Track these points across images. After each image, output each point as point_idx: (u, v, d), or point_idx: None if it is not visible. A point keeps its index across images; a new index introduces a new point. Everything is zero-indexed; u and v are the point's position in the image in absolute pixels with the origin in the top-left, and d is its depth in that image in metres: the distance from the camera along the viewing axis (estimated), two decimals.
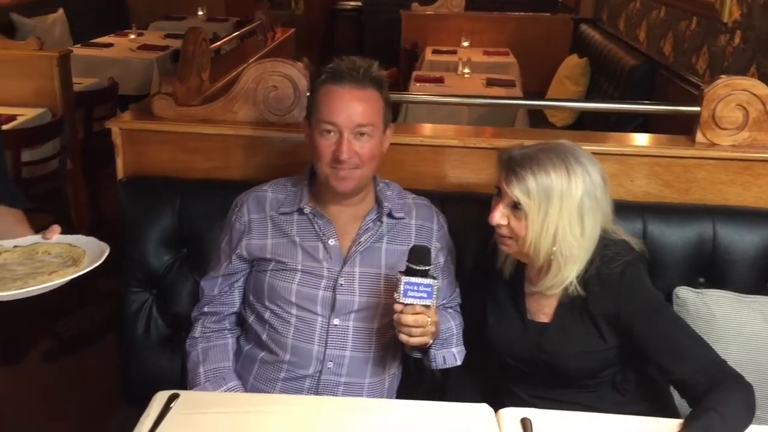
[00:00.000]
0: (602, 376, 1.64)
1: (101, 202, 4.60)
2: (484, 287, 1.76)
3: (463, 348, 1.77)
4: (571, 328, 1.63)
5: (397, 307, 1.52)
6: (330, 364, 1.70)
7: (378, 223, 1.73)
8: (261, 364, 1.74)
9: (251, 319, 1.77)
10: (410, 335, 1.53)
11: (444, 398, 1.57)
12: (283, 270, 1.71)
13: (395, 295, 1.51)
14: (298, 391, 1.69)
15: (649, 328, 1.56)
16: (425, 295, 1.50)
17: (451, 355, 1.74)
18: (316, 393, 1.69)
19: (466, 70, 5.42)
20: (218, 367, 1.74)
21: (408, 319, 1.51)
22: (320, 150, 1.63)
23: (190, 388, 1.72)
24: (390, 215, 1.74)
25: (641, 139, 2.20)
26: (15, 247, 1.43)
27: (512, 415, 1.48)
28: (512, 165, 1.55)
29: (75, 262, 1.35)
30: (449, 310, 1.81)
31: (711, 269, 1.91)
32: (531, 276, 1.68)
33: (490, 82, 5.15)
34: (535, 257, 1.58)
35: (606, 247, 1.60)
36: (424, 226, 1.77)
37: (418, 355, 1.75)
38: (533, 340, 1.66)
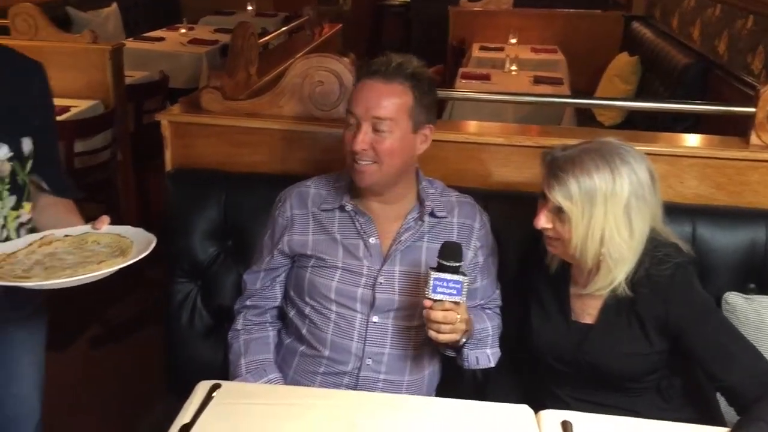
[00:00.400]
0: (647, 380, 1.61)
1: (149, 193, 4.68)
2: (528, 286, 1.74)
3: (499, 350, 1.75)
4: (616, 330, 1.60)
5: (426, 302, 1.51)
6: (369, 361, 1.70)
7: (419, 222, 1.72)
8: (301, 357, 1.75)
9: (292, 313, 1.78)
10: (439, 332, 1.52)
11: (484, 398, 1.56)
12: (324, 267, 1.72)
13: (425, 290, 1.50)
14: (337, 386, 1.70)
15: (698, 332, 1.53)
16: (455, 292, 1.49)
17: (484, 356, 1.72)
18: (355, 389, 1.70)
19: (513, 68, 5.36)
20: (259, 359, 1.75)
21: (437, 315, 1.51)
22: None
23: (232, 379, 1.74)
24: (432, 214, 1.73)
25: (693, 140, 2.15)
26: (66, 236, 1.46)
27: (553, 417, 1.46)
28: (554, 169, 1.53)
29: (123, 253, 1.38)
30: (487, 311, 1.79)
31: (762, 275, 1.86)
32: (576, 277, 1.65)
33: (538, 80, 5.08)
34: (583, 260, 1.56)
35: (656, 248, 1.57)
36: (466, 224, 1.76)
37: (451, 353, 1.74)
38: (577, 341, 1.63)
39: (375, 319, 1.70)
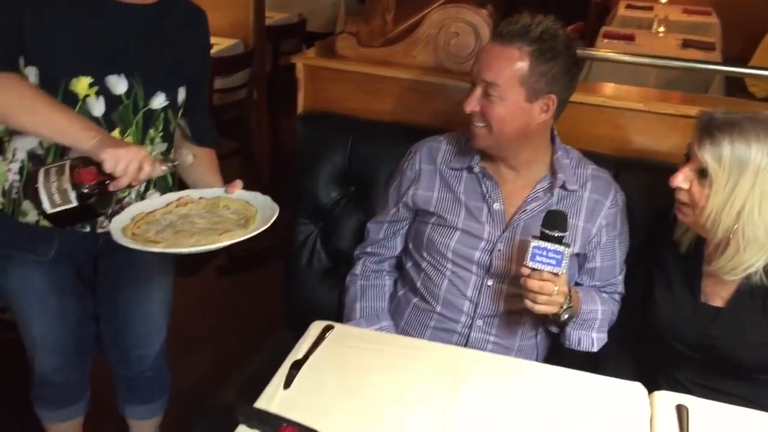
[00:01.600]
0: None
1: (280, 134, 4.83)
2: (655, 261, 1.66)
3: (606, 336, 1.70)
4: (748, 317, 1.51)
5: (524, 270, 1.47)
6: (480, 322, 1.70)
7: (548, 193, 1.67)
8: (414, 309, 1.77)
9: (408, 265, 1.80)
10: (534, 301, 1.49)
11: (595, 371, 1.52)
12: (444, 226, 1.71)
13: (525, 258, 1.47)
14: (446, 342, 1.70)
15: None
16: (554, 262, 1.44)
17: (588, 338, 1.67)
18: (465, 345, 1.70)
19: (661, 29, 5.07)
20: (374, 305, 1.79)
21: (533, 284, 1.47)
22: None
23: (345, 321, 1.79)
24: (563, 187, 1.67)
25: None
26: (200, 198, 1.54)
27: (668, 399, 1.40)
28: (710, 127, 1.43)
29: (246, 221, 1.44)
30: (603, 294, 1.73)
31: None
32: (710, 252, 1.56)
33: (686, 44, 4.78)
34: (713, 232, 1.47)
35: None
36: (597, 200, 1.69)
37: (554, 329, 1.70)
38: (704, 324, 1.55)
39: (489, 282, 1.68)
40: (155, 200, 1.53)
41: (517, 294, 1.66)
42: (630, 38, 4.88)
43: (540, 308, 1.50)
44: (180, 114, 1.67)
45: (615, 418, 1.35)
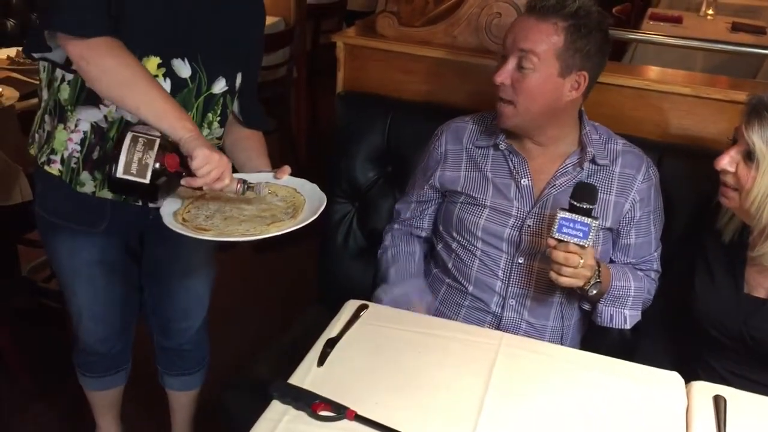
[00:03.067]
0: None
1: (319, 112, 4.83)
2: (697, 250, 1.63)
3: (639, 314, 1.67)
4: None
5: (550, 242, 1.46)
6: (512, 302, 1.69)
7: (578, 168, 1.65)
8: (448, 288, 1.77)
9: (439, 246, 1.80)
10: (559, 273, 1.47)
11: (631, 358, 1.50)
12: (473, 204, 1.70)
13: (551, 229, 1.45)
14: (481, 322, 1.71)
15: None
16: (581, 234, 1.42)
17: (621, 315, 1.65)
18: (498, 328, 1.70)
19: (710, 11, 4.92)
20: (407, 268, 1.80)
21: (558, 255, 1.45)
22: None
23: (379, 285, 1.79)
24: (593, 161, 1.65)
25: None
26: None
27: (705, 389, 1.38)
28: (759, 108, 1.41)
29: (295, 210, 1.44)
30: (638, 272, 1.70)
31: None
32: (754, 238, 1.52)
33: (736, 27, 4.64)
34: (757, 216, 1.44)
35: None
36: (628, 174, 1.66)
37: (586, 306, 1.69)
38: (745, 314, 1.52)
39: (520, 260, 1.67)
40: None
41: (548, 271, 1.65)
42: (677, 20, 4.75)
43: (564, 281, 1.49)
44: (236, 98, 1.68)
45: (651, 407, 1.33)
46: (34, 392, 2.46)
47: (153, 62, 1.49)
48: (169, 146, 1.35)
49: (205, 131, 1.61)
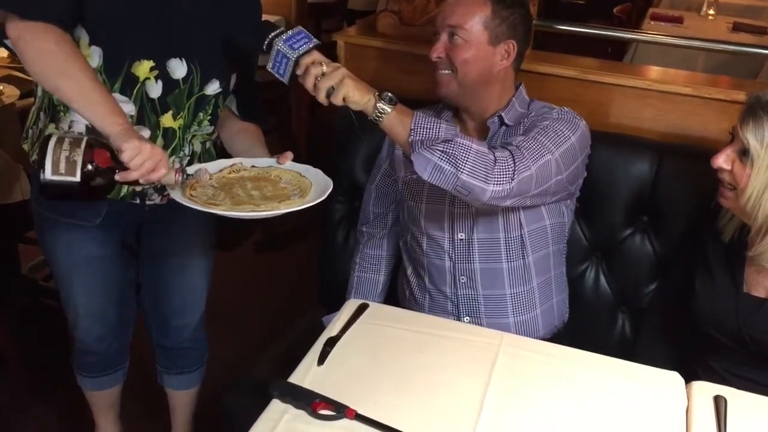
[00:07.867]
0: None
1: (319, 111, 4.82)
2: (697, 248, 1.63)
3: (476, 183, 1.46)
4: None
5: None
6: (463, 279, 1.71)
7: (496, 136, 1.67)
8: (410, 286, 1.82)
9: (400, 245, 1.86)
10: (317, 87, 1.43)
11: (630, 358, 1.50)
12: (415, 190, 1.74)
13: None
14: (443, 308, 1.74)
15: None
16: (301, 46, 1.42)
17: (430, 164, 1.45)
18: (457, 311, 1.73)
19: (711, 11, 4.92)
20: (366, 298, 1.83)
21: (308, 80, 1.42)
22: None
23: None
24: (503, 123, 1.67)
25: None
26: (252, 167, 1.53)
27: (705, 389, 1.37)
28: (755, 107, 1.41)
29: (302, 193, 1.43)
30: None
31: None
32: (752, 237, 1.52)
33: (737, 27, 4.64)
34: (753, 214, 1.44)
35: None
36: (537, 115, 1.65)
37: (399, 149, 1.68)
38: (744, 314, 1.52)
39: (461, 236, 1.70)
40: (209, 164, 1.51)
41: (488, 239, 1.68)
42: (678, 21, 4.75)
43: (334, 98, 1.43)
44: (228, 98, 1.68)
45: (651, 407, 1.33)
46: (34, 392, 2.46)
47: (145, 66, 1.49)
48: (97, 143, 1.32)
49: (194, 128, 1.61)
